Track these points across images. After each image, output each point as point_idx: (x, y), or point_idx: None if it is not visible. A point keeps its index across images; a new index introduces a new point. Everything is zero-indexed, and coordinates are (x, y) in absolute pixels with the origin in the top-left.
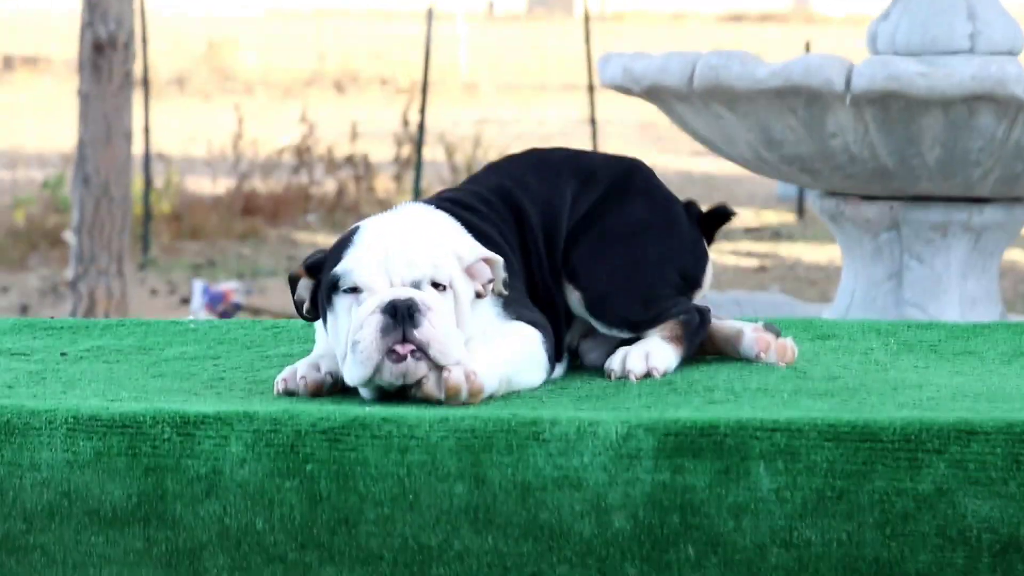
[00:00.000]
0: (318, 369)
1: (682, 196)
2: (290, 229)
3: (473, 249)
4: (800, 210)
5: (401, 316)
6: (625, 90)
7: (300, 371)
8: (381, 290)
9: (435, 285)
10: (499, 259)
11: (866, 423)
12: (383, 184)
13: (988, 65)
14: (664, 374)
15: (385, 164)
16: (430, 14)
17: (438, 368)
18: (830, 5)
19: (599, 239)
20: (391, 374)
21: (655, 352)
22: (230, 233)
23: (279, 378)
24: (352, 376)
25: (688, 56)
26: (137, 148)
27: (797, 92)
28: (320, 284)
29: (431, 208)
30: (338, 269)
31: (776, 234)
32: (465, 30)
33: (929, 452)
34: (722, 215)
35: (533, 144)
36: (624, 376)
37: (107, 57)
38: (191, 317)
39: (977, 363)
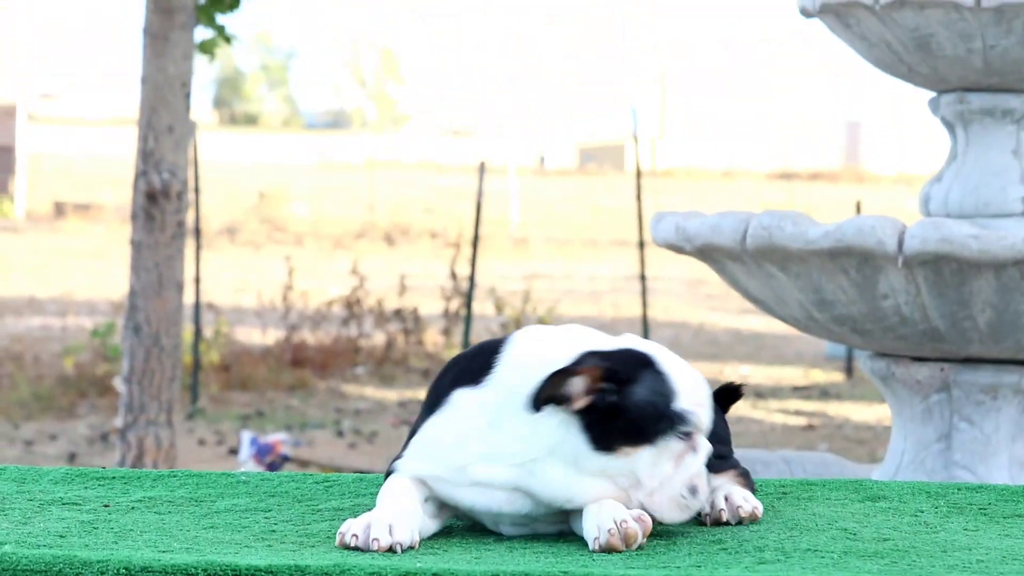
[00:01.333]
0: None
1: (732, 354)
2: (339, 381)
3: None
4: (849, 369)
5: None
6: (678, 248)
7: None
8: (705, 437)
9: None
10: None
11: None
12: (432, 338)
13: None
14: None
15: (434, 317)
16: (482, 168)
17: None
18: (880, 164)
19: None
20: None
21: (736, 493)
22: (279, 384)
23: (350, 532)
24: (672, 517)
25: (740, 216)
26: (187, 297)
27: (850, 253)
28: (600, 397)
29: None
30: (682, 410)
31: (824, 393)
32: (516, 184)
33: None
34: (733, 392)
35: (583, 300)
36: (732, 519)
37: (160, 207)
38: (242, 468)
39: None
